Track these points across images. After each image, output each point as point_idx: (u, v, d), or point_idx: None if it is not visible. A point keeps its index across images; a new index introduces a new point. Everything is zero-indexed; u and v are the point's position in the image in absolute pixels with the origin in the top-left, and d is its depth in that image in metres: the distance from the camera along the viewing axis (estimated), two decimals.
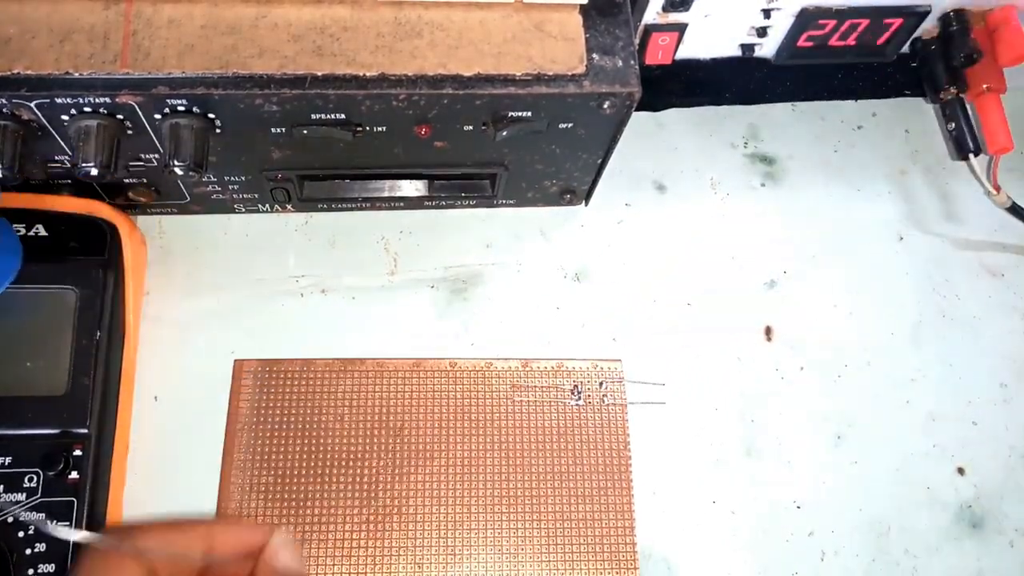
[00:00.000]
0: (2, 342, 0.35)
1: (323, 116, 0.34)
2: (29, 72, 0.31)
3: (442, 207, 0.43)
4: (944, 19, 0.42)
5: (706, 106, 0.48)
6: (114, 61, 0.31)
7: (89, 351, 0.35)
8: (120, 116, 0.32)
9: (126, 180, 0.37)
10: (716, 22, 0.41)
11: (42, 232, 0.36)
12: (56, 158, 0.35)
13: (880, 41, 0.43)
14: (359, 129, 0.34)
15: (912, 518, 0.40)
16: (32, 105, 0.31)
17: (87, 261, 0.36)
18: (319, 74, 0.32)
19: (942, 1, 0.41)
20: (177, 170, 0.33)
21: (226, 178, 0.38)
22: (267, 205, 0.42)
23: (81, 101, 0.31)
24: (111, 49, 0.31)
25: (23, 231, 0.36)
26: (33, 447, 0.34)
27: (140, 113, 0.32)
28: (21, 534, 0.33)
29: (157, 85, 0.31)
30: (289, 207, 0.42)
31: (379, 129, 0.35)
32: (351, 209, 0.42)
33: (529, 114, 0.34)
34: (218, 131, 0.34)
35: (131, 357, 0.38)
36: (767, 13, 0.41)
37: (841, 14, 0.40)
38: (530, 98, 0.33)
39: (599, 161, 0.40)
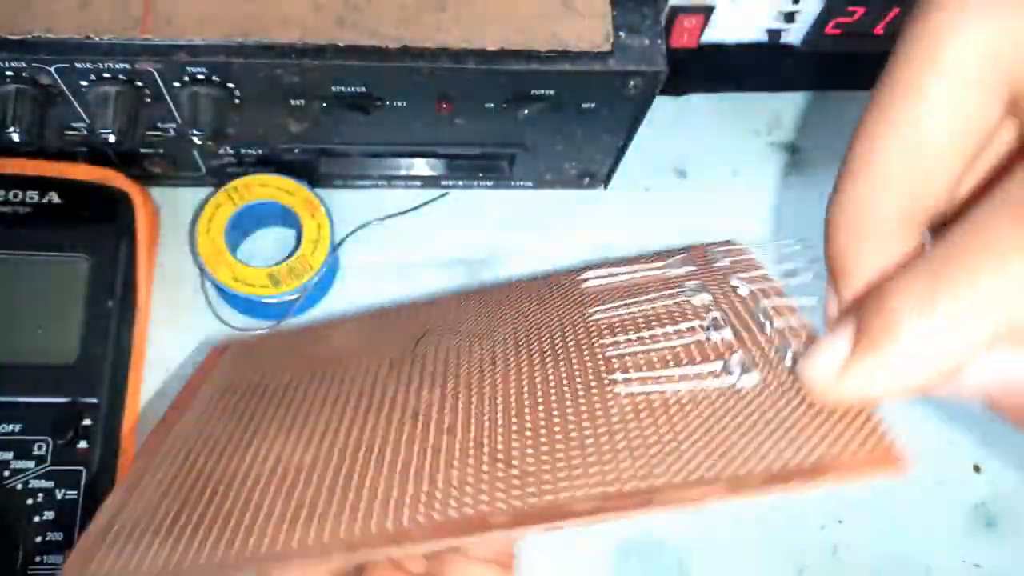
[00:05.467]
0: (13, 309, 0.35)
1: (343, 89, 0.33)
2: (49, 36, 0.30)
3: (458, 187, 0.43)
4: None
5: (730, 92, 0.47)
6: (135, 27, 0.31)
7: (100, 320, 0.35)
8: (139, 83, 0.32)
9: (142, 150, 0.37)
10: (743, 5, 0.40)
11: (56, 199, 0.36)
12: (73, 125, 0.35)
13: None
14: (379, 103, 0.34)
15: (926, 514, 0.40)
16: (51, 69, 0.31)
17: (100, 229, 0.36)
18: (340, 44, 0.31)
19: None
20: (195, 139, 0.33)
21: (243, 151, 0.38)
22: None
23: (100, 67, 0.31)
24: (132, 14, 0.31)
25: (36, 198, 0.36)
26: (43, 415, 0.34)
27: (159, 80, 0.32)
28: (30, 501, 0.33)
29: (177, 52, 0.31)
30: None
31: (399, 104, 0.34)
32: (366, 187, 0.42)
33: (552, 92, 0.34)
34: (237, 101, 0.33)
35: (142, 327, 0.38)
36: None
37: (870, 1, 0.40)
38: (554, 75, 0.33)
39: (620, 143, 0.39)
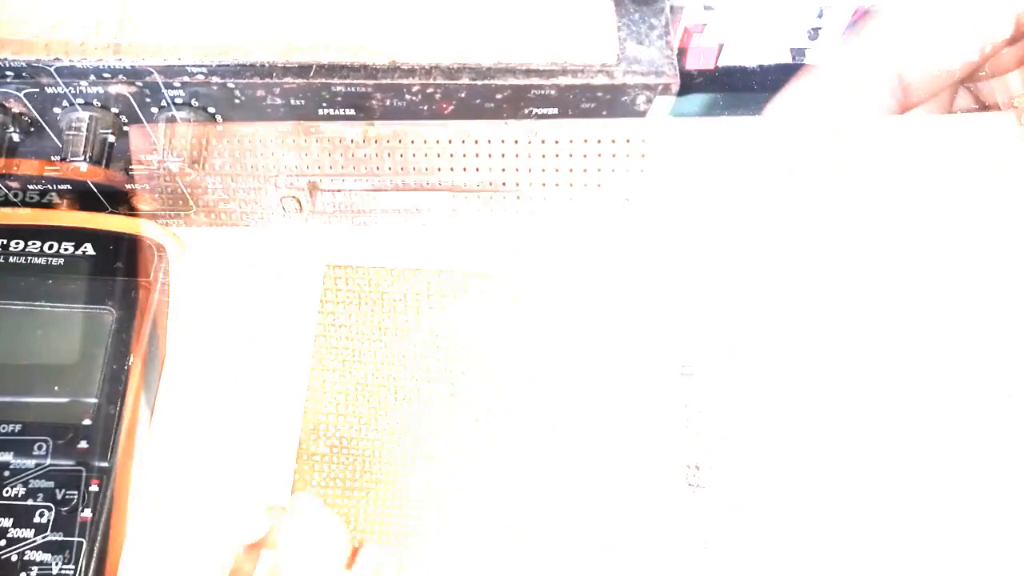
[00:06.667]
0: (31, 358, 0.33)
1: (330, 111, 0.31)
2: (17, 58, 0.29)
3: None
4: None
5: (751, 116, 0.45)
6: (107, 48, 0.29)
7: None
8: (115, 110, 0.30)
9: (127, 186, 0.35)
10: (764, 23, 0.38)
11: (90, 251, 0.34)
12: (51, 158, 0.33)
13: None
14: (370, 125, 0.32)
15: None
16: (21, 95, 0.29)
17: (130, 282, 0.34)
18: (324, 62, 0.29)
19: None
20: (171, 166, 0.31)
21: (231, 182, 0.36)
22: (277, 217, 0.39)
23: (72, 91, 0.29)
24: (104, 36, 0.29)
25: (71, 249, 0.34)
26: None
27: (135, 105, 0.30)
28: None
29: (152, 73, 0.29)
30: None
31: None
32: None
33: (555, 111, 0.31)
34: (219, 128, 0.31)
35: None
36: (820, 13, 0.37)
37: None
38: (555, 90, 0.30)
39: None
